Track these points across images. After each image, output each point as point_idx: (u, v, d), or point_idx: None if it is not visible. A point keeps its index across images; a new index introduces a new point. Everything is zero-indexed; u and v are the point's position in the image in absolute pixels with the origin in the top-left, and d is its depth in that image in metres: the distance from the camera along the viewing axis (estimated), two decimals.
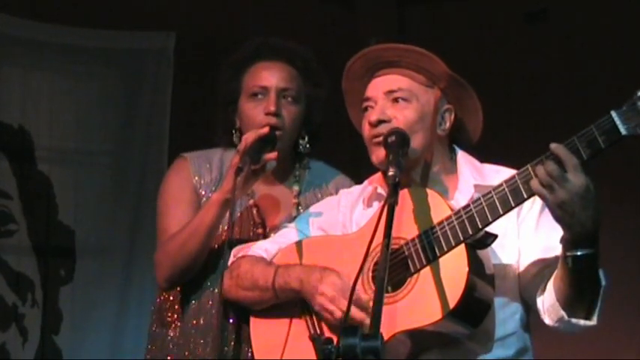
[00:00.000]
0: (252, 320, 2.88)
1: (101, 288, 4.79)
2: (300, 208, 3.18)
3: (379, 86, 2.78)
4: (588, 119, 2.41)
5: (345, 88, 2.90)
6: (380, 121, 2.73)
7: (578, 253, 2.45)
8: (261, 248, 2.94)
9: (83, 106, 4.85)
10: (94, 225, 4.83)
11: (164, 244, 3.09)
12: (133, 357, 4.56)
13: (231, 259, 2.94)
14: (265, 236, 3.11)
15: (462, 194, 2.70)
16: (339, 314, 2.60)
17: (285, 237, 2.93)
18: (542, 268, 2.63)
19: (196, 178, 3.18)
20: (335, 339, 2.09)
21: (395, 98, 2.75)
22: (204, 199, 3.14)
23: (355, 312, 2.56)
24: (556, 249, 2.56)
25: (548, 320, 2.60)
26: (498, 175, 2.63)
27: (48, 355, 4.66)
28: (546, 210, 2.57)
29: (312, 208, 3.00)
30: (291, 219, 3.11)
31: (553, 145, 2.41)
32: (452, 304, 2.48)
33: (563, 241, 2.47)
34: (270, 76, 3.14)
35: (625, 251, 4.43)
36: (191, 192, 3.16)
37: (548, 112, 4.57)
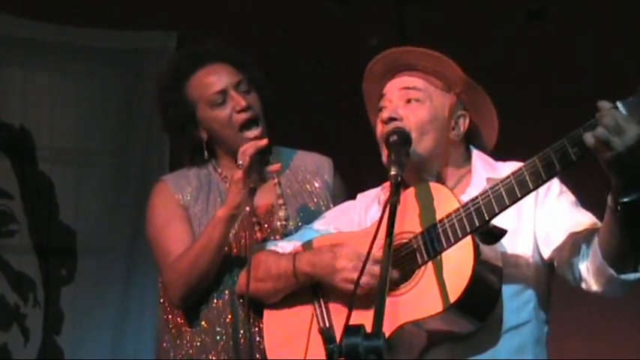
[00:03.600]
0: (266, 314, 2.95)
1: (102, 288, 4.82)
2: (282, 186, 3.25)
3: (395, 84, 2.84)
4: (589, 116, 2.46)
5: (365, 89, 2.95)
6: (391, 119, 2.79)
7: (630, 198, 2.44)
8: (277, 245, 3.01)
9: (84, 106, 4.87)
10: (96, 225, 4.86)
11: (173, 264, 3.11)
12: (134, 357, 4.68)
13: (250, 257, 3.00)
14: (260, 224, 3.20)
15: (475, 188, 2.73)
16: (367, 279, 2.61)
17: (302, 237, 3.00)
18: (577, 241, 2.64)
19: (177, 193, 3.23)
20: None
21: (409, 99, 2.80)
22: (191, 210, 3.20)
23: (374, 268, 2.59)
24: (585, 223, 2.62)
25: (595, 285, 2.59)
26: (511, 169, 2.66)
27: (50, 355, 4.68)
28: (565, 192, 2.69)
29: (330, 211, 3.08)
30: (279, 197, 3.21)
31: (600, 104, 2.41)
32: (454, 297, 2.52)
33: (612, 189, 2.46)
34: (218, 78, 3.20)
35: None
36: (177, 208, 3.21)
37: (549, 111, 4.61)
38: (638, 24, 4.61)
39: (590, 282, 2.62)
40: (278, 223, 3.20)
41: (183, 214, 3.20)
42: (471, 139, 2.88)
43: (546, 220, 2.71)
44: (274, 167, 3.08)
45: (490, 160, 2.86)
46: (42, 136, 4.80)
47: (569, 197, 2.76)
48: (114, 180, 4.92)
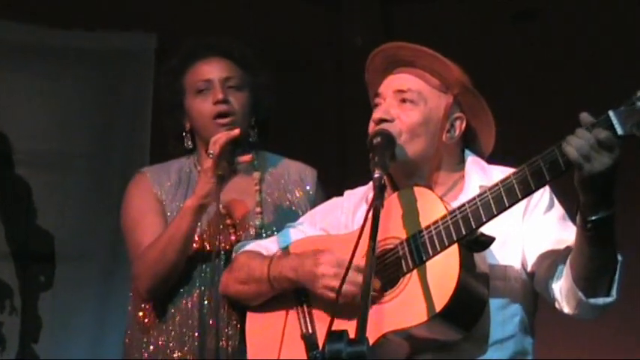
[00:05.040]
0: (249, 317, 2.94)
1: (82, 295, 4.80)
2: (262, 193, 3.28)
3: (391, 84, 2.83)
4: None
5: (367, 79, 2.94)
6: (383, 120, 2.77)
7: (598, 216, 2.45)
8: (262, 246, 3.00)
9: (62, 109, 4.85)
10: (75, 230, 4.84)
11: (142, 255, 3.16)
12: None
13: (233, 256, 3.02)
14: (235, 227, 3.22)
15: (467, 196, 2.70)
16: (349, 287, 2.60)
17: (286, 237, 2.99)
18: (555, 259, 2.65)
19: (156, 187, 3.28)
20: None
21: (402, 99, 2.79)
22: (168, 204, 3.24)
23: (356, 275, 2.58)
24: (567, 241, 2.62)
25: (566, 307, 2.61)
26: (503, 174, 2.66)
27: None
28: (554, 206, 2.69)
29: (316, 209, 3.07)
30: (257, 204, 3.23)
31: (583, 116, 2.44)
32: (439, 306, 2.51)
33: (581, 207, 2.48)
34: (210, 69, 3.28)
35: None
36: (154, 201, 3.26)
37: (538, 113, 4.64)
38: (628, 23, 4.61)
39: (562, 303, 2.63)
40: (252, 231, 3.22)
41: (159, 208, 3.24)
42: (467, 143, 2.87)
43: (531, 233, 2.71)
44: (245, 158, 3.11)
45: (484, 165, 2.84)
46: (19, 140, 4.77)
47: (558, 211, 2.75)
48: (94, 184, 4.90)
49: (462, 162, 2.84)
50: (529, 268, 2.70)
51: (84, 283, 4.83)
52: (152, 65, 4.91)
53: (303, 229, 2.98)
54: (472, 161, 2.83)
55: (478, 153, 2.87)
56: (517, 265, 2.70)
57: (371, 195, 2.74)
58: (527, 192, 2.53)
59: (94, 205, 4.87)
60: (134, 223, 3.24)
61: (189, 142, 3.32)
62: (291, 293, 2.84)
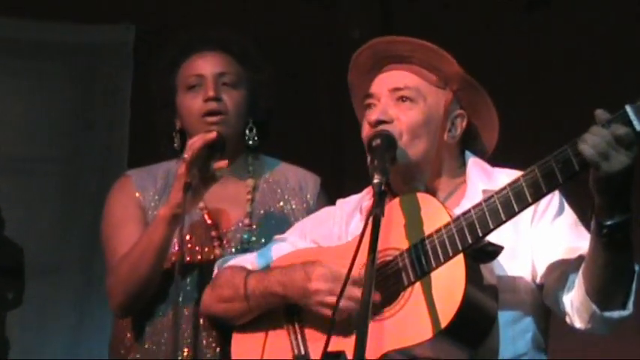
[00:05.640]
0: (234, 337, 2.92)
1: (54, 311, 4.79)
2: (254, 203, 3.27)
3: (384, 82, 2.82)
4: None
5: (350, 81, 2.94)
6: (380, 122, 2.76)
7: (614, 221, 2.45)
8: (247, 261, 2.99)
9: (32, 108, 4.86)
10: (46, 241, 4.83)
11: (114, 268, 3.17)
12: None
13: (215, 272, 3.01)
14: (220, 240, 3.21)
15: (470, 201, 2.71)
16: (346, 303, 2.58)
17: (274, 250, 2.98)
18: (566, 269, 2.65)
19: (139, 193, 3.28)
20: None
21: (400, 97, 2.78)
22: (150, 212, 3.24)
23: (354, 290, 2.58)
24: (579, 249, 2.62)
25: (578, 322, 2.61)
26: (509, 178, 2.67)
27: None
28: (565, 211, 2.69)
29: (307, 219, 3.07)
30: (247, 215, 3.23)
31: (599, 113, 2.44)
32: (444, 322, 2.50)
33: (596, 210, 2.48)
34: (204, 63, 3.27)
35: None
36: (135, 208, 3.26)
37: (550, 105, 4.64)
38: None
39: (574, 317, 2.63)
40: (239, 245, 3.21)
41: (138, 214, 3.24)
42: (467, 142, 2.87)
43: (541, 241, 2.71)
44: (220, 164, 3.07)
45: (487, 166, 2.85)
46: None
47: (569, 216, 2.75)
48: (66, 191, 4.92)
49: (462, 164, 2.85)
50: (539, 280, 2.70)
51: (56, 299, 4.81)
52: (130, 60, 4.92)
53: (292, 242, 2.97)
54: (474, 163, 2.84)
55: (478, 153, 2.88)
56: (527, 276, 2.70)
57: (365, 204, 2.86)
58: (538, 195, 2.53)
59: (67, 213, 4.89)
60: (112, 230, 3.25)
61: (178, 143, 3.30)
62: (281, 310, 2.83)
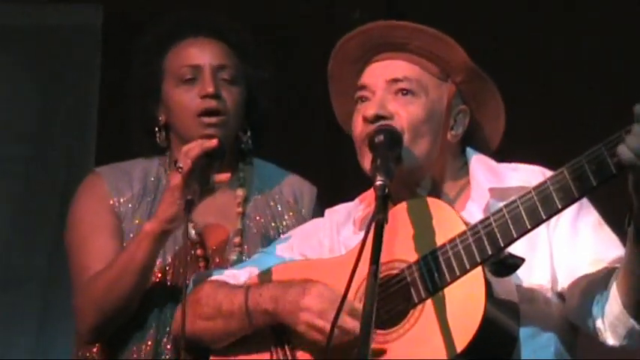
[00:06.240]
0: None
1: (15, 328, 4.75)
2: (245, 218, 3.23)
3: (380, 73, 2.79)
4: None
5: (332, 72, 2.91)
6: (378, 117, 2.73)
7: None
8: (228, 275, 2.95)
9: None
10: (5, 250, 4.80)
11: (85, 286, 3.10)
12: None
13: (190, 287, 2.95)
14: (206, 257, 3.17)
15: (476, 202, 2.72)
16: (339, 335, 2.56)
17: (258, 263, 2.94)
18: (593, 280, 2.62)
19: (114, 197, 3.21)
20: None
21: (399, 89, 2.76)
22: (126, 222, 3.18)
23: (348, 321, 2.56)
24: (606, 255, 2.62)
25: (611, 338, 2.59)
26: (517, 173, 2.68)
27: None
28: (587, 210, 2.67)
29: (295, 230, 3.04)
30: (237, 232, 3.18)
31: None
32: (460, 345, 2.48)
33: (635, 216, 2.44)
34: (200, 52, 3.19)
35: None
36: (109, 215, 3.19)
37: (570, 105, 4.63)
38: None
39: (606, 334, 2.60)
40: (227, 267, 3.12)
41: (112, 222, 3.19)
42: (468, 138, 2.86)
43: (561, 245, 2.70)
44: (222, 177, 3.03)
45: (491, 163, 2.84)
46: None
47: (592, 216, 2.73)
48: (27, 192, 4.89)
49: (464, 164, 2.85)
50: (559, 287, 2.70)
51: (17, 314, 4.78)
52: (98, 44, 4.87)
53: (279, 255, 2.94)
54: (477, 160, 2.83)
55: (480, 149, 2.87)
56: (545, 284, 2.69)
57: (359, 214, 2.86)
58: (569, 201, 2.49)
59: (28, 217, 4.85)
60: (81, 240, 3.18)
61: (162, 139, 3.23)
62: (268, 331, 2.78)
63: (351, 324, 2.54)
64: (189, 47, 3.20)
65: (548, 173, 2.64)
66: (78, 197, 3.25)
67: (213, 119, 3.13)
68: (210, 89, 3.14)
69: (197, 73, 3.17)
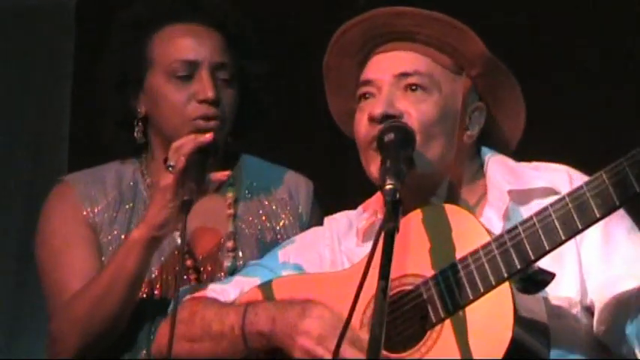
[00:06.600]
0: None
1: None
2: (237, 219, 3.21)
3: (386, 66, 2.76)
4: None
5: (328, 64, 2.88)
6: (387, 116, 2.69)
7: None
8: (216, 290, 2.90)
9: None
10: None
11: (65, 308, 3.07)
12: None
13: (172, 304, 2.88)
14: (197, 270, 3.16)
15: (494, 207, 2.71)
16: None
17: (249, 277, 2.90)
18: (628, 296, 2.59)
19: (86, 207, 3.18)
20: None
21: (409, 85, 2.72)
22: (103, 234, 3.16)
23: (350, 351, 2.51)
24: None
25: None
26: (538, 172, 2.69)
27: None
28: (615, 217, 2.59)
29: (289, 242, 3.00)
30: (229, 236, 3.16)
31: None
32: None
33: None
34: (197, 45, 3.13)
35: None
36: (83, 228, 3.16)
37: (592, 96, 4.49)
38: None
39: None
40: (221, 276, 3.12)
41: (90, 236, 3.16)
42: (483, 137, 2.85)
43: (591, 253, 2.67)
44: (220, 175, 3.00)
45: (510, 162, 2.83)
46: None
47: (624, 221, 2.71)
48: None
49: (480, 166, 2.84)
50: (587, 301, 2.67)
51: None
52: (72, 27, 4.82)
53: (271, 268, 2.90)
54: (494, 161, 2.82)
55: (497, 148, 2.86)
56: (574, 297, 2.66)
57: (363, 224, 2.83)
58: (609, 209, 2.45)
59: None
60: (54, 257, 3.14)
61: (140, 135, 3.17)
62: (262, 356, 2.73)
63: (353, 355, 2.50)
64: (184, 36, 3.12)
65: (575, 173, 2.66)
66: (47, 210, 3.21)
67: (210, 124, 3.07)
68: (211, 94, 3.08)
69: (193, 70, 3.10)
